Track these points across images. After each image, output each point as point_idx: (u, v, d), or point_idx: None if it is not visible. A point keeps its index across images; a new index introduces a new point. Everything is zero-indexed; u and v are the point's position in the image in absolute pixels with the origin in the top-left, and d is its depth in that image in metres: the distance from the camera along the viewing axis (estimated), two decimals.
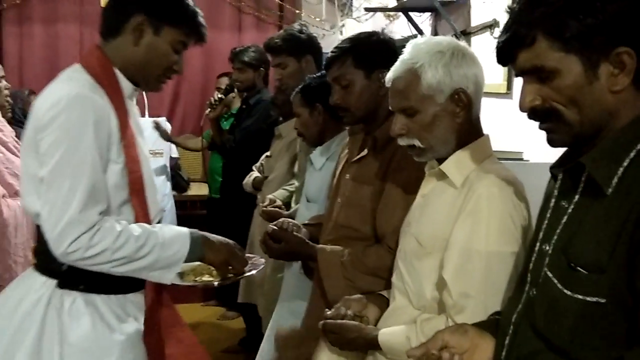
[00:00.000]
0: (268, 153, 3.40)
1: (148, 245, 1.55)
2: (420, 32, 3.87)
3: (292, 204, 2.91)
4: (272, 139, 3.42)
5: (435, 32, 3.92)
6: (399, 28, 4.51)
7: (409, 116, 1.54)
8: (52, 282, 1.59)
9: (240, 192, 3.47)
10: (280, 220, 2.02)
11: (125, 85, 1.66)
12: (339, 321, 1.59)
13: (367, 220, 1.88)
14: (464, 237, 1.43)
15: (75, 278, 1.58)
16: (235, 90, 4.04)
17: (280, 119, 3.38)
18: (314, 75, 2.50)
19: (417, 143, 1.55)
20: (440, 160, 1.57)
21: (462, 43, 1.57)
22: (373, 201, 1.87)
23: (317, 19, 5.39)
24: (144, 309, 1.67)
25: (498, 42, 1.16)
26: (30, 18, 5.42)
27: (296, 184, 2.93)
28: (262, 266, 1.79)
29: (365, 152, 1.94)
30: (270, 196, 2.89)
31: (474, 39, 3.45)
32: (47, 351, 1.55)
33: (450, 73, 1.50)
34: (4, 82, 3.16)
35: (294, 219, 2.55)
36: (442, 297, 1.46)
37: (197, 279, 1.69)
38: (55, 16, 5.44)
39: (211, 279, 1.69)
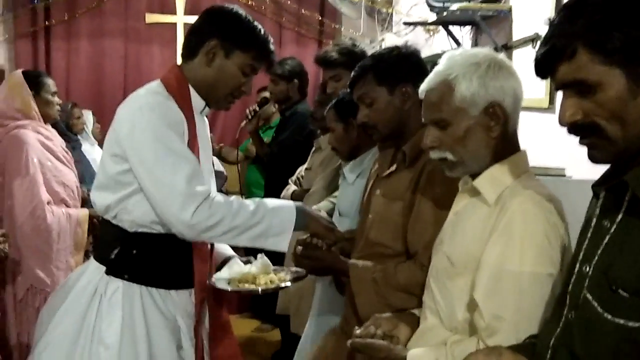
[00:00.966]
0: (306, 165, 3.37)
1: (260, 212, 1.67)
2: (460, 46, 3.80)
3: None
4: (312, 151, 3.40)
5: (475, 46, 3.84)
6: (439, 42, 4.44)
7: (441, 129, 1.49)
8: (102, 269, 1.74)
9: None
10: (309, 237, 1.97)
11: (197, 101, 1.80)
12: (368, 340, 1.54)
13: (398, 236, 1.83)
14: (496, 257, 1.37)
15: (121, 266, 1.71)
16: (274, 103, 4.04)
17: (319, 131, 3.35)
18: (347, 90, 2.46)
19: (449, 156, 1.49)
20: (474, 177, 1.51)
21: (500, 55, 1.51)
22: (404, 217, 1.82)
23: (357, 34, 5.37)
24: (187, 308, 1.78)
25: (537, 55, 1.11)
26: (78, 34, 5.53)
27: None
28: (304, 276, 1.86)
29: (394, 167, 1.90)
30: (315, 207, 2.85)
31: (515, 52, 3.37)
32: (86, 328, 1.70)
33: (486, 85, 1.45)
34: (56, 98, 3.25)
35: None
36: (474, 318, 1.39)
37: (240, 285, 1.76)
38: (101, 32, 5.54)
39: (254, 287, 1.76)
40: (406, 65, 1.88)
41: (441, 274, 1.51)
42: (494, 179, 1.46)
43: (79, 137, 4.35)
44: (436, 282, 1.53)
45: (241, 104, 5.81)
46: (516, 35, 3.35)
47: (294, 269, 1.90)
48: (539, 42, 3.09)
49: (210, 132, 4.70)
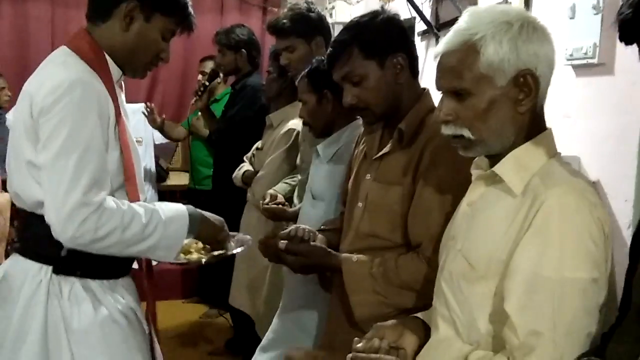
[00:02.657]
0: (259, 144, 3.06)
1: (152, 222, 1.50)
2: (422, 15, 3.54)
3: (295, 200, 2.58)
4: (264, 129, 3.09)
5: (436, 16, 3.60)
6: (395, 11, 4.17)
7: (459, 100, 1.23)
8: (48, 269, 1.54)
9: (230, 185, 3.12)
10: (293, 228, 1.69)
11: (114, 70, 1.61)
12: (372, 356, 1.28)
13: (397, 226, 1.57)
14: (530, 262, 1.12)
15: (72, 264, 1.54)
16: (221, 75, 3.70)
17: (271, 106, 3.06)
18: (322, 58, 2.17)
19: (466, 133, 1.23)
20: (492, 159, 1.26)
21: (533, 15, 1.25)
22: (403, 204, 1.56)
23: (304, 1, 5.03)
24: (132, 291, 1.68)
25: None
26: None
27: (299, 177, 2.60)
28: (250, 241, 1.73)
29: (388, 147, 1.63)
30: (270, 191, 2.56)
31: None
32: (54, 339, 1.52)
33: (517, 49, 1.18)
34: None
35: (297, 218, 2.23)
36: (504, 334, 1.15)
37: (186, 257, 1.63)
38: None
39: (199, 256, 1.65)
40: (394, 31, 1.62)
41: (457, 277, 1.26)
42: (520, 163, 1.22)
43: (3, 110, 3.88)
44: (450, 286, 1.28)
45: (181, 74, 5.46)
46: (482, 3, 3.13)
47: (235, 234, 1.75)
48: None
49: (150, 102, 4.37)
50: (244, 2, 5.33)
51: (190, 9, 1.66)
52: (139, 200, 1.59)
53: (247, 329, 3.08)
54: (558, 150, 1.28)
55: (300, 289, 2.04)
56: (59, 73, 1.48)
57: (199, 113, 3.74)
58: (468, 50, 1.21)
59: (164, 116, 4.18)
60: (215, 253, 1.65)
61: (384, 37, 1.59)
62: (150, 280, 1.71)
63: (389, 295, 1.54)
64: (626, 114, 2.00)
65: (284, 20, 2.55)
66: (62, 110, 1.43)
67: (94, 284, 1.58)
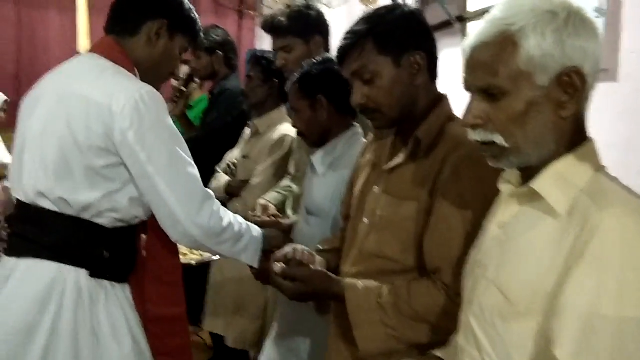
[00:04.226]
0: (242, 152, 2.84)
1: (241, 222, 1.66)
2: None
3: (289, 212, 2.37)
4: (247, 136, 2.88)
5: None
6: None
7: (492, 100, 1.05)
8: (83, 272, 1.56)
9: None
10: (290, 249, 1.47)
11: None
12: None
13: (410, 247, 1.38)
14: (586, 298, 0.93)
15: (108, 267, 1.59)
16: (197, 79, 3.48)
17: (252, 112, 2.85)
18: (314, 61, 1.97)
19: (498, 140, 1.05)
20: (525, 172, 1.09)
21: (579, 5, 1.08)
22: (418, 222, 1.37)
23: (281, 3, 4.84)
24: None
25: None
26: None
27: (293, 187, 2.39)
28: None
29: (402, 157, 1.44)
30: (261, 201, 2.34)
31: (470, 25, 2.99)
32: (84, 338, 1.54)
33: (563, 43, 1.00)
34: None
35: (290, 232, 2.03)
36: None
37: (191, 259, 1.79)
38: None
39: (190, 259, 1.81)
40: (414, 27, 1.43)
41: (490, 313, 1.07)
42: (563, 178, 1.04)
43: None
44: (481, 323, 1.09)
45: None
46: (471, 7, 2.97)
47: None
48: None
49: None
50: (220, 6, 5.12)
51: (201, 29, 1.77)
52: None
53: (227, 348, 2.86)
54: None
55: (295, 312, 1.83)
56: (131, 86, 1.53)
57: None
58: (505, 42, 1.03)
59: None
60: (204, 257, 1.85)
61: (403, 32, 1.40)
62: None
63: (400, 329, 1.34)
64: (631, 122, 1.86)
65: (281, 18, 2.35)
66: (155, 123, 1.52)
67: (118, 286, 1.63)
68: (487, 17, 1.07)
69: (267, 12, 5.23)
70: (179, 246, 1.73)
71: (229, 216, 1.61)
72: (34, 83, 1.70)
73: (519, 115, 1.03)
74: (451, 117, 1.44)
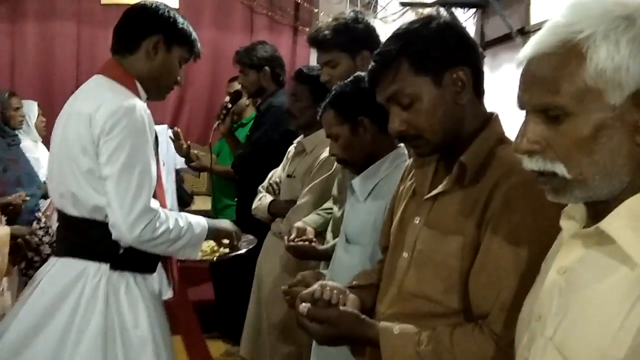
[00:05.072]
0: (286, 172, 2.72)
1: (185, 225, 1.80)
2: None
3: (328, 236, 2.22)
4: (290, 154, 2.76)
5: (482, 33, 3.25)
6: None
7: (552, 122, 0.88)
8: (106, 266, 1.76)
9: (253, 218, 2.76)
10: (318, 287, 1.32)
11: (142, 96, 1.85)
12: None
13: (454, 287, 1.21)
14: None
15: (127, 260, 1.78)
16: (246, 96, 3.40)
17: (299, 130, 2.72)
18: (345, 82, 1.82)
19: (559, 169, 0.88)
20: (593, 208, 0.91)
21: None
22: (463, 259, 1.20)
23: (352, 10, 4.74)
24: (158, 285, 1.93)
25: None
26: (24, 15, 4.77)
27: (335, 209, 2.24)
28: (255, 240, 2.06)
29: (445, 185, 1.26)
30: (299, 224, 2.20)
31: (532, 37, 2.78)
32: (111, 328, 1.74)
33: None
34: None
35: (327, 257, 1.88)
36: None
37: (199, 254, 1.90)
38: (52, 13, 4.80)
39: (210, 256, 1.99)
40: (453, 40, 1.27)
41: None
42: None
43: (17, 132, 3.61)
44: None
45: (208, 95, 5.20)
46: (535, 19, 2.76)
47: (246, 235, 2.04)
48: None
49: (173, 128, 4.08)
50: (275, 22, 5.06)
51: (196, 38, 1.92)
52: (165, 202, 1.86)
53: None
54: None
55: (333, 351, 1.67)
56: (113, 98, 1.71)
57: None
58: (569, 53, 0.85)
59: (189, 142, 3.86)
60: (226, 250, 1.97)
61: (441, 47, 1.24)
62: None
63: None
64: None
65: (326, 32, 2.21)
66: (123, 131, 1.67)
67: (140, 277, 1.82)
68: (548, 24, 0.89)
69: None
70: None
71: (166, 224, 1.73)
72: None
73: (585, 141, 0.85)
74: (502, 139, 1.27)
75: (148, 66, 1.82)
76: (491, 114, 1.30)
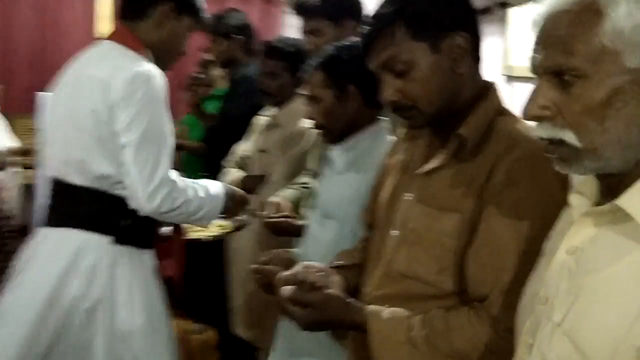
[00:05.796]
0: (260, 146, 2.60)
1: (204, 194, 1.78)
2: None
3: (305, 211, 2.11)
4: (259, 127, 2.64)
5: None
6: None
7: (565, 86, 0.80)
8: (108, 239, 1.72)
9: None
10: (300, 268, 1.22)
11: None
12: None
13: (448, 267, 1.12)
14: None
15: (129, 234, 1.74)
16: (220, 66, 3.26)
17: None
18: (343, 44, 1.72)
19: (568, 137, 0.81)
20: (605, 181, 0.84)
21: None
22: (459, 237, 1.11)
23: None
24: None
25: None
26: None
27: (313, 183, 2.13)
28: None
29: (441, 158, 1.17)
30: (275, 199, 2.08)
31: (512, 11, 2.71)
32: (119, 297, 1.71)
33: None
34: None
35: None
36: None
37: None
38: None
39: (201, 234, 2.05)
40: (454, 3, 1.17)
41: None
42: None
43: None
44: None
45: (175, 66, 5.01)
46: None
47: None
48: None
49: None
50: None
51: (204, 8, 1.87)
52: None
53: (237, 345, 2.64)
54: None
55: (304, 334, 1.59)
56: (130, 64, 1.67)
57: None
58: (586, 10, 0.78)
59: None
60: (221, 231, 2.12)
61: (440, 10, 1.14)
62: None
63: None
64: None
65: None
66: (143, 98, 1.63)
67: (144, 252, 1.79)
68: None
69: None
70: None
71: (185, 194, 1.70)
72: (55, 68, 1.86)
73: (598, 107, 0.78)
74: (502, 111, 1.19)
75: (157, 34, 1.78)
76: (489, 83, 1.22)
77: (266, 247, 2.29)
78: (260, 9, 4.71)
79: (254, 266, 1.63)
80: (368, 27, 1.18)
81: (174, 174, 1.71)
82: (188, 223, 1.88)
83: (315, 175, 2.13)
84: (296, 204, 2.14)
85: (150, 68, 1.69)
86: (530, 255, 0.98)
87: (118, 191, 1.70)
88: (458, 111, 1.17)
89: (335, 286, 1.23)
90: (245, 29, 3.11)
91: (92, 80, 1.67)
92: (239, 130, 2.87)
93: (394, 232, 1.23)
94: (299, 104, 2.52)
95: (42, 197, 3.59)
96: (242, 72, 3.07)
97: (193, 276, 3.65)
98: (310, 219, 1.76)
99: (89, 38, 4.06)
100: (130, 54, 1.73)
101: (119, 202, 1.71)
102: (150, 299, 1.77)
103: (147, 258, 1.80)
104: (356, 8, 2.20)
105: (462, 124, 1.15)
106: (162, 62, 1.81)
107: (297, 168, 2.38)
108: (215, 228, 2.08)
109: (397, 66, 1.15)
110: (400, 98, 1.17)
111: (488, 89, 1.20)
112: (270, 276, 1.68)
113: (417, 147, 1.27)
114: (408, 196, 1.22)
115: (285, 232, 2.00)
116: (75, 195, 1.72)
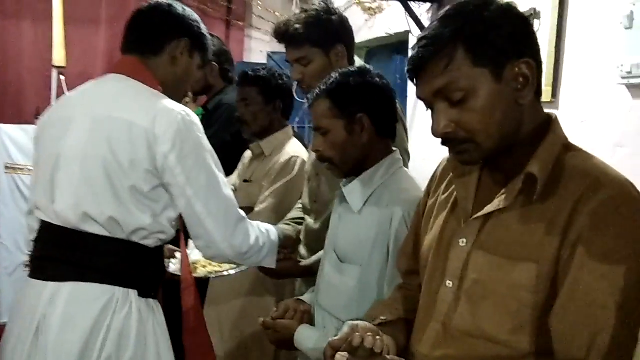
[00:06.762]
0: (245, 176, 2.45)
1: (264, 230, 1.75)
2: (422, 27, 3.02)
3: (302, 250, 1.96)
4: (248, 158, 2.51)
5: None
6: (381, 24, 3.65)
7: None
8: (134, 292, 1.57)
9: None
10: (348, 329, 1.03)
11: None
12: None
13: (524, 325, 0.98)
14: None
15: (151, 285, 1.62)
16: (190, 93, 3.08)
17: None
18: (349, 70, 1.58)
19: None
20: None
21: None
22: (537, 292, 0.97)
23: (273, 13, 4.48)
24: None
25: None
26: None
27: (308, 220, 1.97)
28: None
29: (503, 200, 1.03)
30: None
31: None
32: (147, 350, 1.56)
33: None
34: None
35: (312, 274, 1.65)
36: None
37: (210, 271, 1.97)
38: None
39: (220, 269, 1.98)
40: (517, 25, 1.03)
41: None
42: None
43: None
44: None
45: None
46: None
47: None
48: (537, 21, 2.42)
49: None
50: (205, 15, 4.70)
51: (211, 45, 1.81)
52: None
53: None
54: None
55: None
56: (164, 106, 1.54)
57: None
58: None
59: None
60: (216, 269, 1.98)
61: (504, 33, 1.00)
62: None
63: None
64: None
65: (297, 26, 1.90)
66: (196, 145, 1.55)
67: (155, 303, 1.63)
68: None
69: (256, 22, 4.86)
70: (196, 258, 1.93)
71: (255, 231, 1.68)
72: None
73: None
74: (568, 146, 1.05)
75: (172, 71, 1.68)
76: (551, 115, 1.09)
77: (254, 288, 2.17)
78: (222, 33, 4.55)
79: (264, 320, 1.48)
80: (420, 49, 1.03)
81: (242, 212, 1.67)
82: (254, 265, 1.78)
83: (308, 212, 1.99)
84: (296, 242, 1.99)
85: (186, 109, 1.58)
86: (628, 310, 0.86)
87: (148, 241, 1.56)
88: (518, 146, 1.04)
89: (391, 351, 1.07)
90: (221, 55, 2.95)
91: (129, 126, 1.50)
92: (221, 159, 2.71)
93: (448, 283, 1.08)
94: (283, 134, 2.42)
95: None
96: (219, 99, 2.93)
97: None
98: (324, 264, 1.60)
99: (45, 66, 3.84)
100: (151, 91, 1.61)
101: (143, 252, 1.57)
102: (170, 353, 1.64)
103: (160, 308, 1.65)
104: (345, 31, 2.05)
105: (526, 160, 1.01)
106: (174, 98, 1.66)
107: (283, 198, 2.27)
108: (227, 265, 1.96)
109: (454, 94, 1.00)
110: (455, 129, 1.02)
111: (551, 121, 1.07)
112: (284, 331, 1.53)
113: (466, 186, 1.12)
114: (461, 242, 1.08)
115: (289, 274, 1.85)
116: (94, 246, 1.53)
